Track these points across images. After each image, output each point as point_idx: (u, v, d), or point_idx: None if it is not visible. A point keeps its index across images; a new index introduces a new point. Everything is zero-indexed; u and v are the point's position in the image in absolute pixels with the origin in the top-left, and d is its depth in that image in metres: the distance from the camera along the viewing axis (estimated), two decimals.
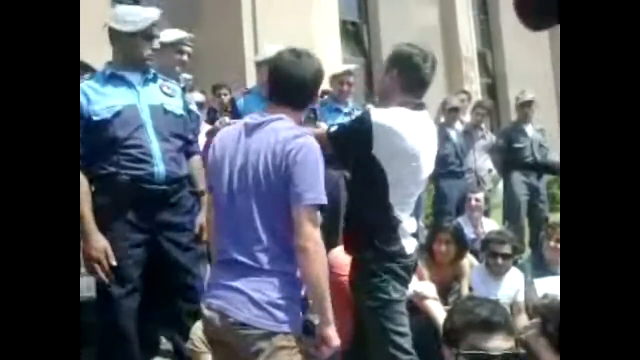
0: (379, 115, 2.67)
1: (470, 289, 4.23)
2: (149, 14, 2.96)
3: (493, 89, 14.31)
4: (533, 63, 13.48)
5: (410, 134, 2.65)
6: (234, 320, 2.16)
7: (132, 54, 2.93)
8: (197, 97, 5.10)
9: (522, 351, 1.78)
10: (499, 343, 1.71)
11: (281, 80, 2.34)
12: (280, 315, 2.16)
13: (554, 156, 6.58)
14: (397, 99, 2.74)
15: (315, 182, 2.20)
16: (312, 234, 2.17)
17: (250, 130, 2.30)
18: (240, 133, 2.32)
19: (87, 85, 2.87)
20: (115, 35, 2.93)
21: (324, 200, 2.21)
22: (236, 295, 2.17)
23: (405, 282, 2.76)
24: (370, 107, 5.56)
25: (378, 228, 2.70)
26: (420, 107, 2.78)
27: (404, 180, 2.69)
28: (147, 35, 2.93)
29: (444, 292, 3.99)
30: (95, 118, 2.81)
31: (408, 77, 2.74)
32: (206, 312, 2.24)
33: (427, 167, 2.78)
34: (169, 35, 3.61)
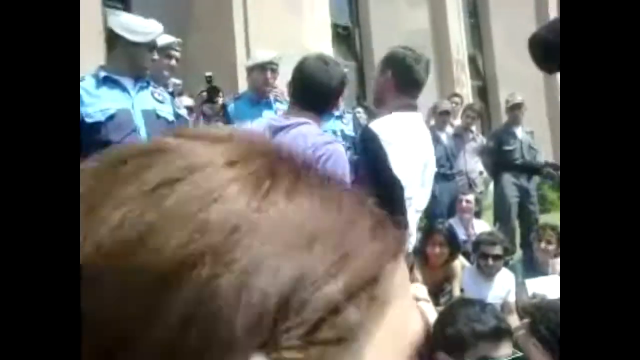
0: (379, 127, 2.72)
1: (461, 289, 4.25)
2: (156, 27, 3.03)
3: (484, 92, 14.35)
4: (523, 65, 13.49)
5: (410, 138, 2.70)
6: None
7: (134, 62, 2.97)
8: (186, 101, 5.08)
9: (521, 353, 1.79)
10: (506, 350, 1.72)
11: (307, 86, 2.36)
12: None
13: (543, 158, 6.62)
14: (392, 100, 2.81)
15: None
16: None
17: (274, 132, 2.29)
18: (264, 134, 2.30)
19: (80, 87, 2.87)
20: (118, 42, 2.95)
21: None
22: None
23: None
24: (359, 110, 5.60)
25: None
26: (412, 107, 2.83)
27: (412, 184, 2.71)
28: (151, 46, 2.99)
29: (436, 293, 4.01)
30: (88, 120, 2.81)
31: (401, 78, 2.81)
32: None
33: (429, 167, 2.82)
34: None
